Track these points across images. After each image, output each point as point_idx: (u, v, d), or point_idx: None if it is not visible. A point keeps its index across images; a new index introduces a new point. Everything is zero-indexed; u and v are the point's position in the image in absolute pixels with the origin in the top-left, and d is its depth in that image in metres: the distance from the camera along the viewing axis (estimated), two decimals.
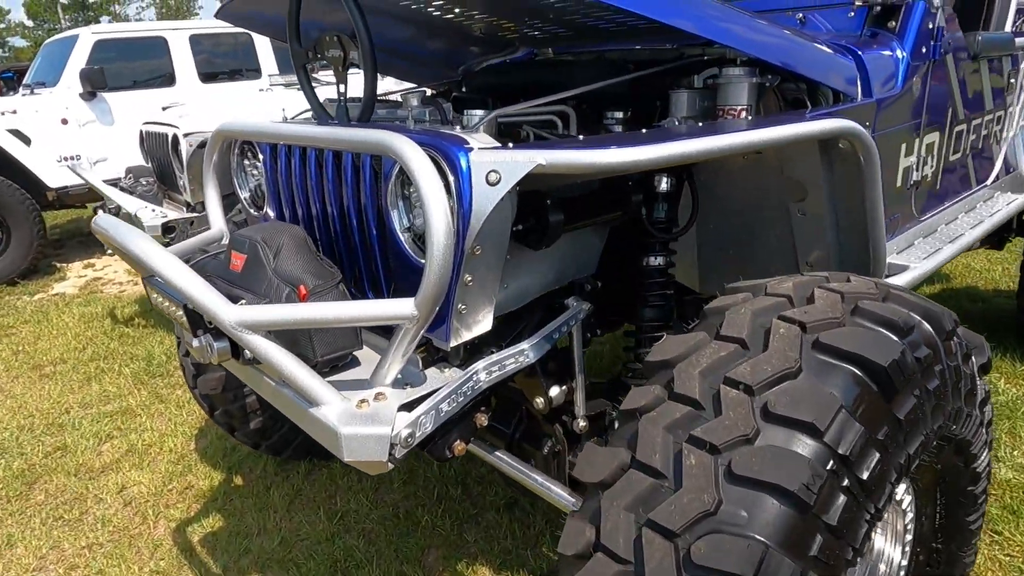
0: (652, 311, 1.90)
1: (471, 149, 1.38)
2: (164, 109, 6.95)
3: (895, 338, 1.21)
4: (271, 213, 2.14)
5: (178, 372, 4.17)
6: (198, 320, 1.49)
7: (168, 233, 4.25)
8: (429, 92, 2.97)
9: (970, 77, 2.53)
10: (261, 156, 2.08)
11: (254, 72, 7.88)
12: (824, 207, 1.87)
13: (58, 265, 7.11)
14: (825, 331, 1.20)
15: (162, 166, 4.69)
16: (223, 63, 7.88)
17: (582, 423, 1.85)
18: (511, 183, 1.31)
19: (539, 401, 1.79)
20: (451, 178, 1.37)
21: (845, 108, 1.83)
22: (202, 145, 4.16)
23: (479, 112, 1.61)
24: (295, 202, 1.98)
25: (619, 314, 2.00)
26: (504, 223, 1.43)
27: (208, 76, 7.60)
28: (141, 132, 4.99)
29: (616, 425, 1.29)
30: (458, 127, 1.57)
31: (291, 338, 1.50)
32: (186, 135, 4.21)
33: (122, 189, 4.89)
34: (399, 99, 1.90)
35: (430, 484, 2.92)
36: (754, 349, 1.20)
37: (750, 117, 1.84)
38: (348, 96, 1.91)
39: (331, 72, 1.88)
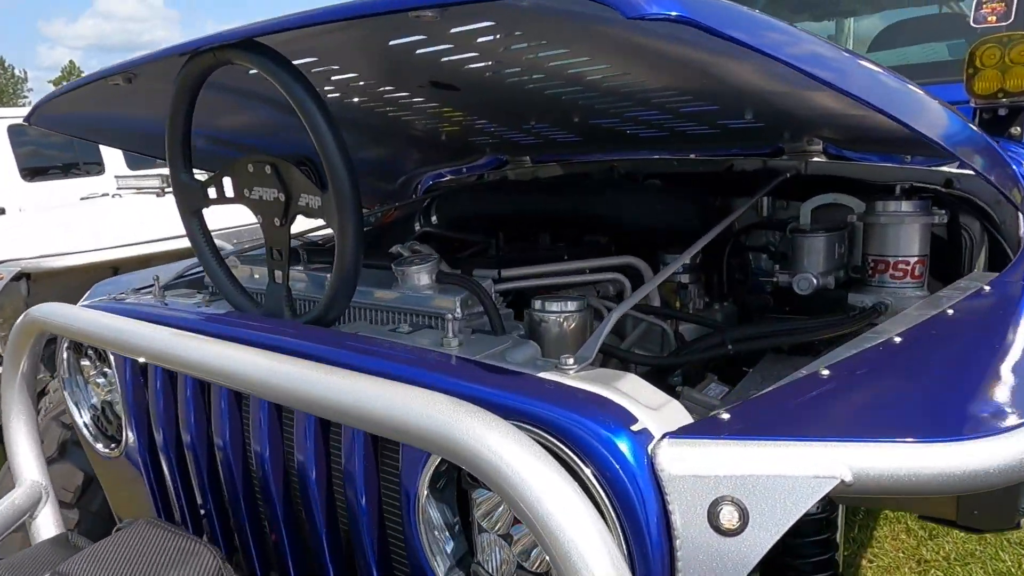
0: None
1: (652, 437, 0.61)
2: None
3: None
4: (132, 442, 1.23)
5: None
6: None
7: None
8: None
9: None
10: (113, 360, 1.19)
11: (95, 166, 6.64)
12: None
13: None
14: None
15: None
16: (54, 156, 6.58)
17: None
18: (778, 530, 0.55)
19: None
20: (608, 503, 0.60)
21: None
22: (18, 277, 3.04)
23: (572, 302, 0.84)
24: (179, 442, 1.11)
25: None
26: None
27: (33, 172, 6.28)
28: None
29: None
30: (573, 366, 0.79)
31: None
32: None
33: None
34: (398, 252, 1.10)
35: None
36: None
37: (927, 274, 1.22)
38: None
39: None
